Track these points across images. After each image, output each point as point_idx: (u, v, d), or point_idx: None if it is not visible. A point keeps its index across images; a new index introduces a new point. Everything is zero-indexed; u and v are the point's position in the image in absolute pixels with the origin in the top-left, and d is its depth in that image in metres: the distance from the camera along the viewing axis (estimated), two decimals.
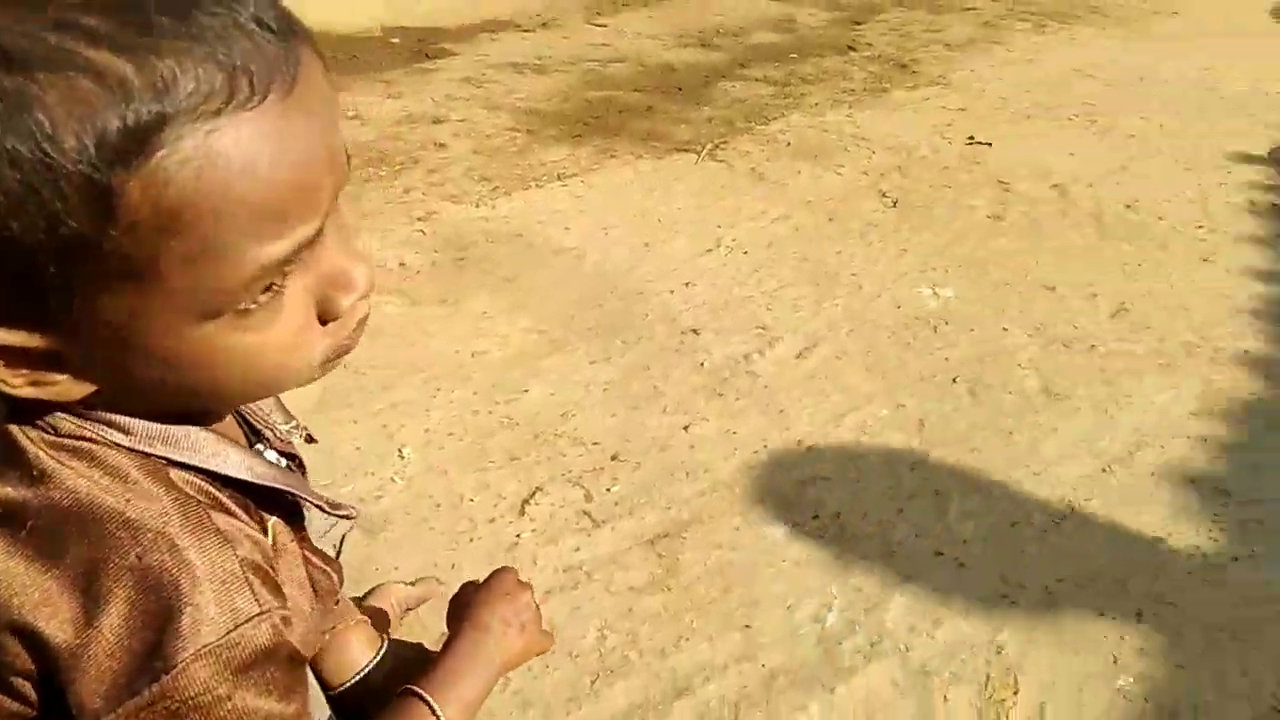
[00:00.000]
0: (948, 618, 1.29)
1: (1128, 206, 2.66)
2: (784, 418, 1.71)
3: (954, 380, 1.83)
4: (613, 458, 1.58)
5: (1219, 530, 1.47)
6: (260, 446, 0.70)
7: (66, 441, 0.54)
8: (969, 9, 5.02)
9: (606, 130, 3.11)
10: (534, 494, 1.49)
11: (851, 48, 4.23)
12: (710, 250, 2.33)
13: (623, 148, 2.97)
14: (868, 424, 1.70)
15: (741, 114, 3.33)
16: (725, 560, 1.39)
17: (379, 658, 1.00)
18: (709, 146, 3.00)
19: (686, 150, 2.97)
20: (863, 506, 1.50)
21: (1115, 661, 1.23)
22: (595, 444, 1.61)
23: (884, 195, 2.69)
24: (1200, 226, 2.55)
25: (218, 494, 0.59)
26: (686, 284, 2.16)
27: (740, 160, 2.91)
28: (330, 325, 0.55)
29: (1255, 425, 1.72)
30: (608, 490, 1.51)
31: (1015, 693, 1.19)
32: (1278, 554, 1.41)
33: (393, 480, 1.50)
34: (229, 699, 0.52)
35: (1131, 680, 1.21)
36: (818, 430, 1.68)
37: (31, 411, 0.54)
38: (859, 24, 4.66)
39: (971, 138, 3.15)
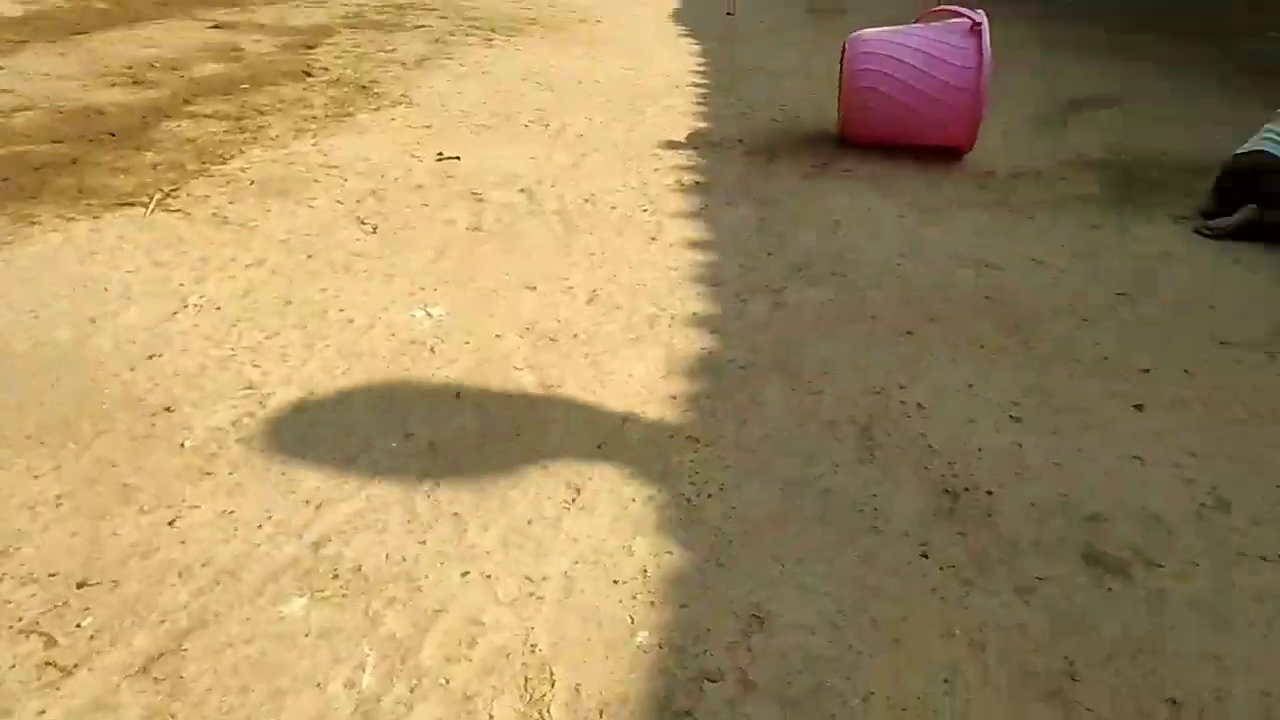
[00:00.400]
0: (481, 635, 1.31)
1: (586, 200, 2.94)
2: (289, 479, 1.59)
3: (457, 395, 1.86)
4: (79, 585, 1.33)
5: (695, 473, 1.68)
6: None
7: None
8: (419, 27, 5.17)
9: (21, 193, 2.62)
10: None
11: (307, 73, 4.10)
12: (176, 313, 2.08)
13: (46, 211, 2.52)
14: (380, 462, 1.65)
15: (193, 155, 3.03)
16: (240, 658, 1.24)
17: None
18: (159, 196, 2.68)
19: (131, 204, 2.63)
20: (384, 549, 1.45)
21: (632, 622, 1.35)
22: (53, 575, 1.34)
23: (363, 222, 2.64)
24: (645, 210, 2.91)
25: None
26: (150, 356, 1.90)
27: (199, 206, 2.65)
28: None
29: (708, 377, 2.01)
30: (78, 626, 1.27)
31: (552, 685, 1.24)
32: (737, 483, 1.67)
33: None
34: None
35: (647, 633, 1.33)
36: (328, 483, 1.59)
37: None
38: (311, 48, 4.53)
39: (441, 153, 3.24)
